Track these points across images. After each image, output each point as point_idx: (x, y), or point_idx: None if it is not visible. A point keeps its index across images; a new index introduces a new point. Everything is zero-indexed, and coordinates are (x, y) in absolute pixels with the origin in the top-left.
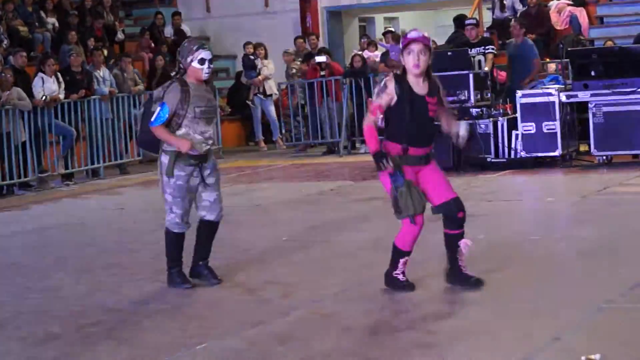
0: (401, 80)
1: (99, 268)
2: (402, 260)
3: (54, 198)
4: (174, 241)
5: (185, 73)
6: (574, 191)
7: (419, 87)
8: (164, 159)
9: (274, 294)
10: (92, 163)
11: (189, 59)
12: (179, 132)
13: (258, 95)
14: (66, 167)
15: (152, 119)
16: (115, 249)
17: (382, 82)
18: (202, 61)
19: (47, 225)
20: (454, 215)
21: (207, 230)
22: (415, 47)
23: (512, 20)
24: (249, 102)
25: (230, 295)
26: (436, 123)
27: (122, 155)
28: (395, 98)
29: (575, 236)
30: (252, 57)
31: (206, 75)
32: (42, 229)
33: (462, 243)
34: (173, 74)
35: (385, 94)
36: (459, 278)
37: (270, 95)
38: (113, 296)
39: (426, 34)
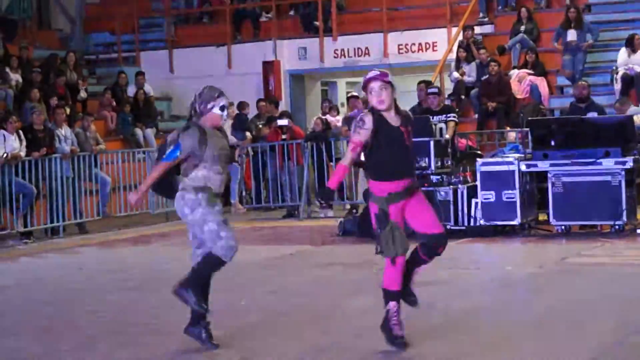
0: (376, 113)
1: (57, 329)
2: (393, 305)
3: (12, 256)
4: (213, 268)
5: (200, 118)
6: (532, 261)
7: (392, 119)
8: (190, 194)
9: (231, 358)
10: (52, 221)
11: (209, 105)
12: (198, 173)
13: (243, 155)
14: (25, 225)
15: (164, 156)
16: (74, 309)
17: (359, 118)
18: (222, 108)
19: (4, 284)
20: (436, 249)
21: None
22: (375, 84)
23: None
24: (236, 162)
25: (186, 359)
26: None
27: (82, 214)
28: (372, 130)
29: (532, 306)
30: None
31: (224, 121)
32: (0, 288)
33: (421, 269)
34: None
35: (364, 129)
36: (405, 290)
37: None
38: (71, 359)
39: (384, 71)
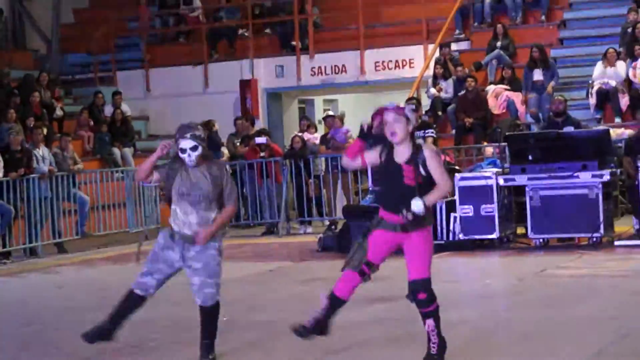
0: (389, 146)
1: (37, 348)
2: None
3: None
4: (123, 297)
5: None
6: (511, 273)
7: (399, 153)
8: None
9: None
10: (30, 242)
11: (176, 143)
12: (172, 206)
13: None
14: (3, 246)
15: None
16: (53, 329)
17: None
18: (182, 151)
19: None
20: (415, 296)
21: (201, 314)
22: (389, 117)
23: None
24: None
25: None
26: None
27: (61, 234)
28: (378, 160)
29: (512, 319)
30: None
31: (190, 163)
32: None
33: (428, 325)
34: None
35: (374, 150)
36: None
37: None
38: None
39: (400, 105)
